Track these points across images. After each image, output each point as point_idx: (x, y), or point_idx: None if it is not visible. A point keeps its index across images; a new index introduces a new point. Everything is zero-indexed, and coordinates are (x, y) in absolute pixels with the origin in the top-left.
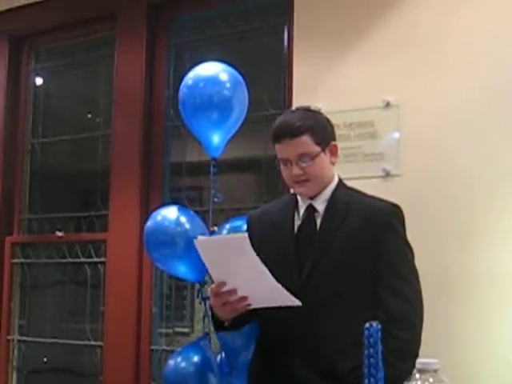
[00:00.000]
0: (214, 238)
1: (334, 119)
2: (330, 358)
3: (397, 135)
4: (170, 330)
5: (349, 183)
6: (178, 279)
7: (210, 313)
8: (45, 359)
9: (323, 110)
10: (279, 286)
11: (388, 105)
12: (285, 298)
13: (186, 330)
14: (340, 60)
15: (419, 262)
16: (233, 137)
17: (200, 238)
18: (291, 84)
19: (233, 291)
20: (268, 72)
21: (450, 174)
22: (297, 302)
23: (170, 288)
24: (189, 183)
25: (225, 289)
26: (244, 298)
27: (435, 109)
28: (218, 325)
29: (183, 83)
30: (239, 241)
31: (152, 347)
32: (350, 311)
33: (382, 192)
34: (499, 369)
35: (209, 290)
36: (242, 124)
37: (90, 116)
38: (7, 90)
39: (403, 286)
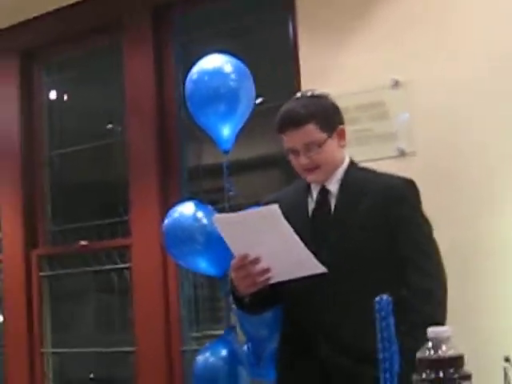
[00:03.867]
0: (234, 214)
1: (343, 102)
2: (357, 338)
3: (408, 113)
4: (201, 334)
5: (364, 165)
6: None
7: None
8: (91, 375)
9: (333, 95)
10: (308, 252)
11: (397, 84)
12: (311, 266)
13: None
14: (346, 42)
15: (441, 238)
16: (246, 135)
17: (218, 215)
18: (299, 72)
19: (255, 262)
20: (275, 62)
21: (466, 147)
22: (323, 269)
23: (202, 287)
24: (207, 185)
25: (248, 260)
26: (266, 270)
27: (445, 84)
28: (239, 302)
29: (188, 78)
30: (270, 213)
31: (183, 348)
32: (373, 290)
33: (398, 171)
34: None
35: (231, 264)
36: (255, 120)
37: (105, 124)
38: (22, 105)
39: (424, 260)
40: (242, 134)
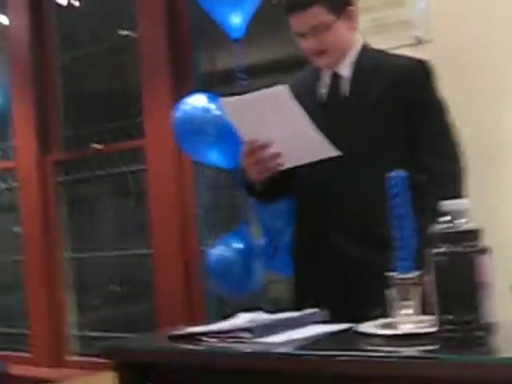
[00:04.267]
0: (242, 96)
1: None
2: (373, 224)
3: (424, 1)
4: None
5: (377, 48)
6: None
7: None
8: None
9: None
10: (320, 134)
11: None
12: (323, 149)
13: None
14: None
15: (458, 124)
16: (261, 38)
17: (225, 98)
18: None
19: (265, 146)
20: None
21: (486, 34)
22: (335, 152)
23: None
24: (223, 90)
25: (257, 144)
26: (276, 155)
27: None
28: (250, 190)
29: None
30: (279, 93)
31: (201, 248)
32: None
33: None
34: None
35: (240, 149)
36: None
37: (115, 27)
38: (32, 9)
39: (442, 143)
40: (259, 37)
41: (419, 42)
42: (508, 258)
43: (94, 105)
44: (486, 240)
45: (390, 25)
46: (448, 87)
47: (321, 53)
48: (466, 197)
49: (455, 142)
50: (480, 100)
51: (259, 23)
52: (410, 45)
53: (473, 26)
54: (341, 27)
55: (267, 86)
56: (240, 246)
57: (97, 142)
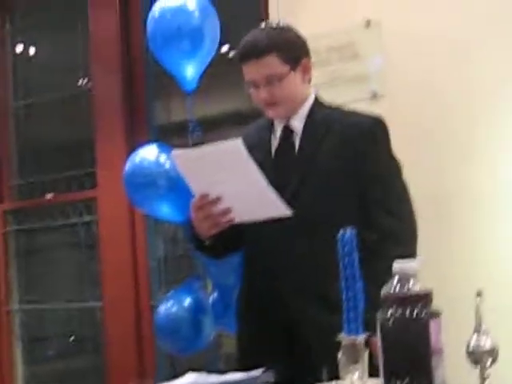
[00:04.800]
0: (194, 149)
1: (314, 44)
2: (321, 282)
3: (381, 55)
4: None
5: (330, 103)
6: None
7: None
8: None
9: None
10: (273, 192)
11: (369, 24)
12: (275, 208)
13: None
14: None
15: (412, 181)
16: (216, 91)
17: (177, 150)
18: (267, 12)
19: (216, 202)
20: (244, 4)
21: (440, 89)
22: (288, 212)
23: (172, 240)
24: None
25: (208, 200)
26: (228, 210)
27: (417, 25)
28: (199, 245)
29: (150, 16)
30: (232, 147)
31: (152, 303)
32: (338, 231)
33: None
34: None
35: (190, 204)
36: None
37: (70, 75)
38: None
39: (393, 201)
40: (213, 89)
41: (374, 96)
42: (460, 323)
43: (47, 154)
44: (437, 303)
45: (346, 78)
46: (402, 142)
47: (273, 104)
48: (416, 258)
49: (407, 200)
50: (436, 157)
51: (214, 76)
52: (366, 99)
53: (428, 81)
54: (295, 79)
55: (222, 139)
56: (189, 301)
57: (50, 192)
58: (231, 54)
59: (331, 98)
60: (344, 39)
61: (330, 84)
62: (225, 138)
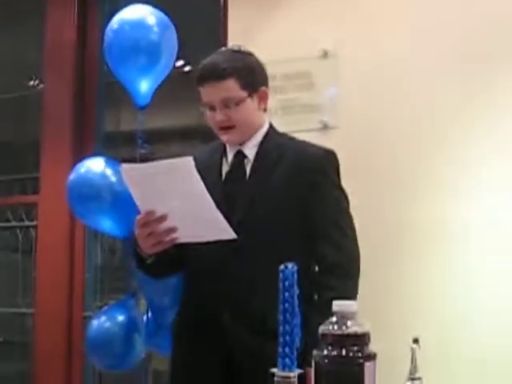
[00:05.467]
0: (143, 165)
1: (270, 70)
2: (262, 311)
3: (335, 86)
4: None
5: (284, 132)
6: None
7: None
8: None
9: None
10: (220, 215)
11: (326, 54)
12: (221, 230)
13: None
14: (276, 9)
15: (358, 214)
16: (167, 104)
17: (125, 165)
18: (226, 36)
19: (161, 219)
20: (204, 25)
21: (391, 124)
22: (233, 235)
23: (110, 253)
24: (123, 153)
25: (153, 217)
26: (172, 230)
27: (373, 58)
28: (141, 263)
29: (108, 27)
30: (182, 165)
31: (85, 314)
32: (283, 260)
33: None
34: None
35: (135, 219)
36: (178, 87)
37: (20, 76)
38: None
39: (338, 234)
40: (164, 102)
41: (325, 127)
42: (395, 368)
43: None
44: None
45: (298, 107)
46: (352, 175)
47: (227, 128)
48: (355, 294)
49: (352, 234)
50: (386, 189)
51: (164, 89)
52: (316, 129)
53: (381, 114)
54: (251, 105)
55: (170, 154)
56: (123, 318)
57: None
58: (185, 69)
59: (282, 125)
60: (301, 67)
61: (283, 111)
62: (171, 152)
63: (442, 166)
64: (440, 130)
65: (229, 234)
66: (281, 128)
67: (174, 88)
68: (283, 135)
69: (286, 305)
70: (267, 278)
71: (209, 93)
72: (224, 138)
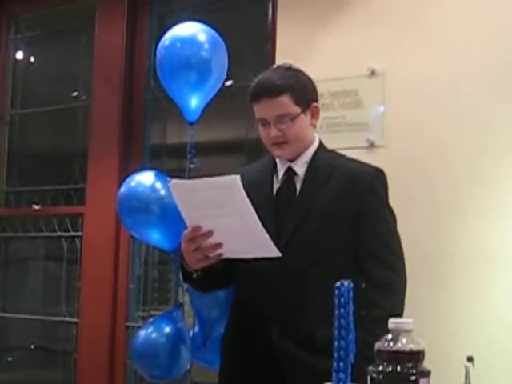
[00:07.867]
0: (192, 181)
1: (318, 88)
2: (310, 327)
3: (382, 105)
4: (148, 313)
5: (334, 149)
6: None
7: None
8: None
9: None
10: (265, 233)
11: (373, 73)
12: (265, 248)
13: None
14: (324, 28)
15: (405, 233)
16: (215, 117)
17: (174, 180)
18: (274, 54)
19: (207, 235)
20: (252, 43)
21: (439, 145)
22: (277, 253)
23: (154, 264)
24: (169, 165)
25: (200, 232)
26: (218, 245)
27: (421, 78)
28: (187, 276)
29: (160, 44)
30: (230, 183)
31: (128, 324)
32: (331, 277)
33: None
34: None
35: (182, 234)
36: (225, 102)
37: (70, 88)
38: None
39: (387, 253)
40: (210, 116)
41: (372, 145)
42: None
43: (38, 164)
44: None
45: (345, 125)
46: (395, 194)
47: (281, 143)
48: (402, 312)
49: (400, 253)
50: (435, 210)
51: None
52: (363, 147)
53: (429, 133)
54: (304, 121)
55: (217, 168)
56: (169, 329)
57: (36, 203)
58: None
59: (329, 143)
60: (348, 86)
61: (330, 129)
62: (218, 165)
63: (500, 185)
64: (492, 155)
65: (274, 252)
66: (328, 146)
67: (222, 103)
68: (332, 152)
69: (342, 321)
70: (314, 294)
71: (263, 109)
72: (276, 153)
